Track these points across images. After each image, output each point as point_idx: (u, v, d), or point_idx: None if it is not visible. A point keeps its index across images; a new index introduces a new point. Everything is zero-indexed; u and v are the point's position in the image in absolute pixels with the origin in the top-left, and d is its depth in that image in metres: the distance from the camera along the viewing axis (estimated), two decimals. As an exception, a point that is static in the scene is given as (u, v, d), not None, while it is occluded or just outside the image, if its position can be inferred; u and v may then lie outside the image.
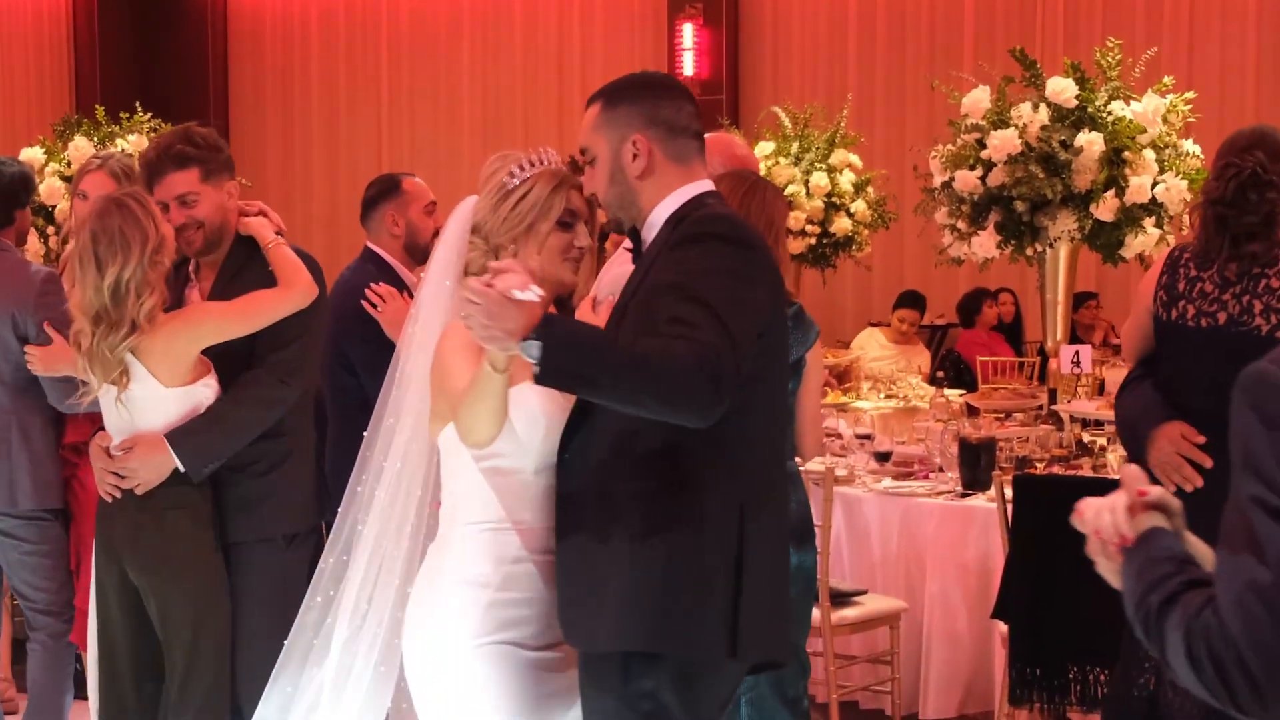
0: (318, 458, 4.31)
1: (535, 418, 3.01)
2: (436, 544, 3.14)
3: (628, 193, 3.05)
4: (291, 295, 4.03)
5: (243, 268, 4.13)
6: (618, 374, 2.72)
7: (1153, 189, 6.33)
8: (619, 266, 4.05)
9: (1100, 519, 2.07)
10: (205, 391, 4.00)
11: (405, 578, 3.23)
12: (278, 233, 4.17)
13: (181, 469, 3.95)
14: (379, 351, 4.61)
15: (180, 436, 3.95)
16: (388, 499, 3.27)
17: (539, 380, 2.71)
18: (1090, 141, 6.29)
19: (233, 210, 4.15)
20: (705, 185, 3.08)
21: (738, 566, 2.93)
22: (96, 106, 9.34)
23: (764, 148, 8.90)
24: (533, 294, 2.61)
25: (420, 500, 3.24)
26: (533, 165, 3.12)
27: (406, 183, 5.07)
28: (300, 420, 4.17)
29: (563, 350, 2.68)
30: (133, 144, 8.54)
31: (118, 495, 4.01)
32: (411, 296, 4.77)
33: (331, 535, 3.41)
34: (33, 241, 6.59)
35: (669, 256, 2.92)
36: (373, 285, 4.69)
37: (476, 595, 3.03)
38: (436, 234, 5.02)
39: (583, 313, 3.64)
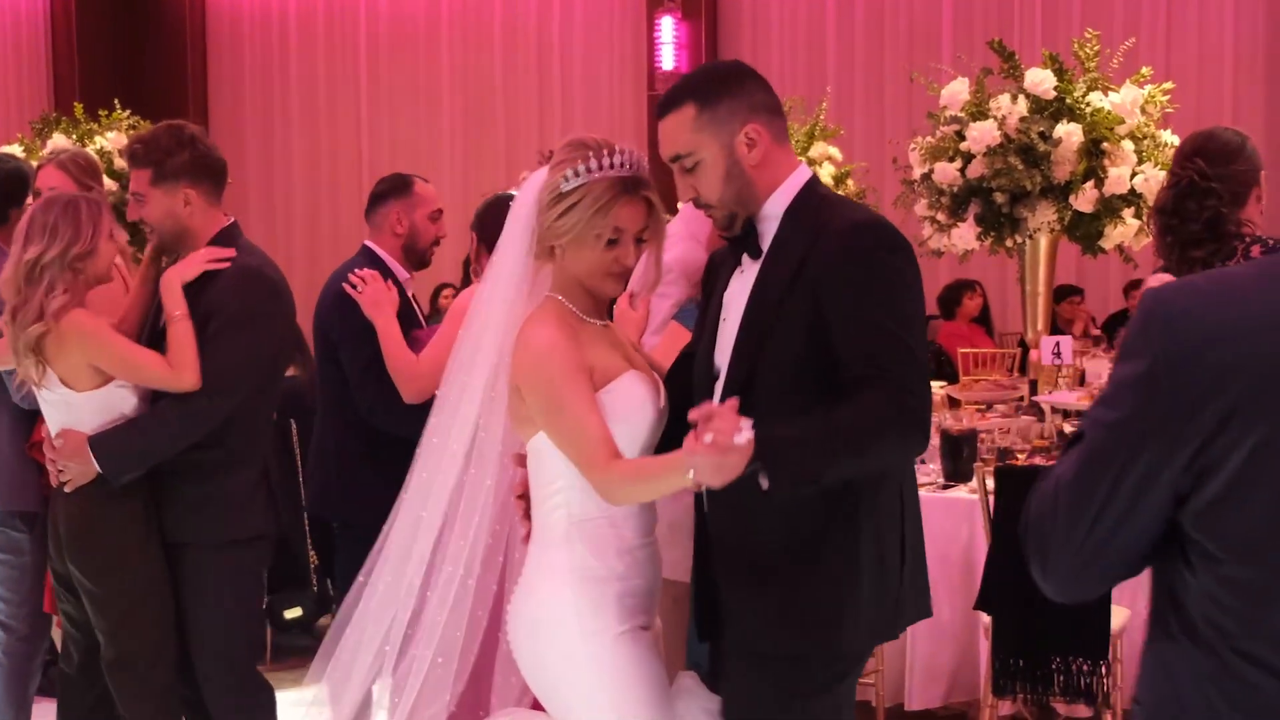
0: (267, 468, 4.34)
1: (644, 405, 3.02)
2: (544, 543, 3.07)
3: (746, 186, 3.00)
4: (174, 381, 4.04)
5: (204, 287, 4.13)
6: (837, 461, 2.78)
7: (1131, 180, 6.34)
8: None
9: None
10: (121, 392, 4.08)
11: (469, 569, 3.17)
12: (204, 276, 4.13)
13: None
14: (356, 331, 4.66)
15: (101, 442, 4.04)
16: (451, 486, 3.19)
17: (771, 493, 2.74)
18: (1069, 133, 6.31)
19: (189, 215, 4.15)
20: (806, 171, 3.07)
21: (902, 546, 3.04)
22: (75, 104, 9.33)
23: (744, 141, 8.89)
24: (747, 434, 2.58)
25: (489, 491, 3.17)
26: (589, 172, 2.97)
27: (418, 185, 5.08)
28: (241, 430, 4.19)
29: (784, 466, 2.72)
30: (111, 141, 8.53)
31: (54, 484, 4.14)
32: (400, 290, 4.79)
33: (387, 525, 3.30)
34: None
35: (833, 276, 2.87)
36: (356, 270, 4.72)
37: (605, 589, 3.02)
38: (437, 242, 5.05)
39: (620, 308, 3.63)
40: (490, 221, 4.61)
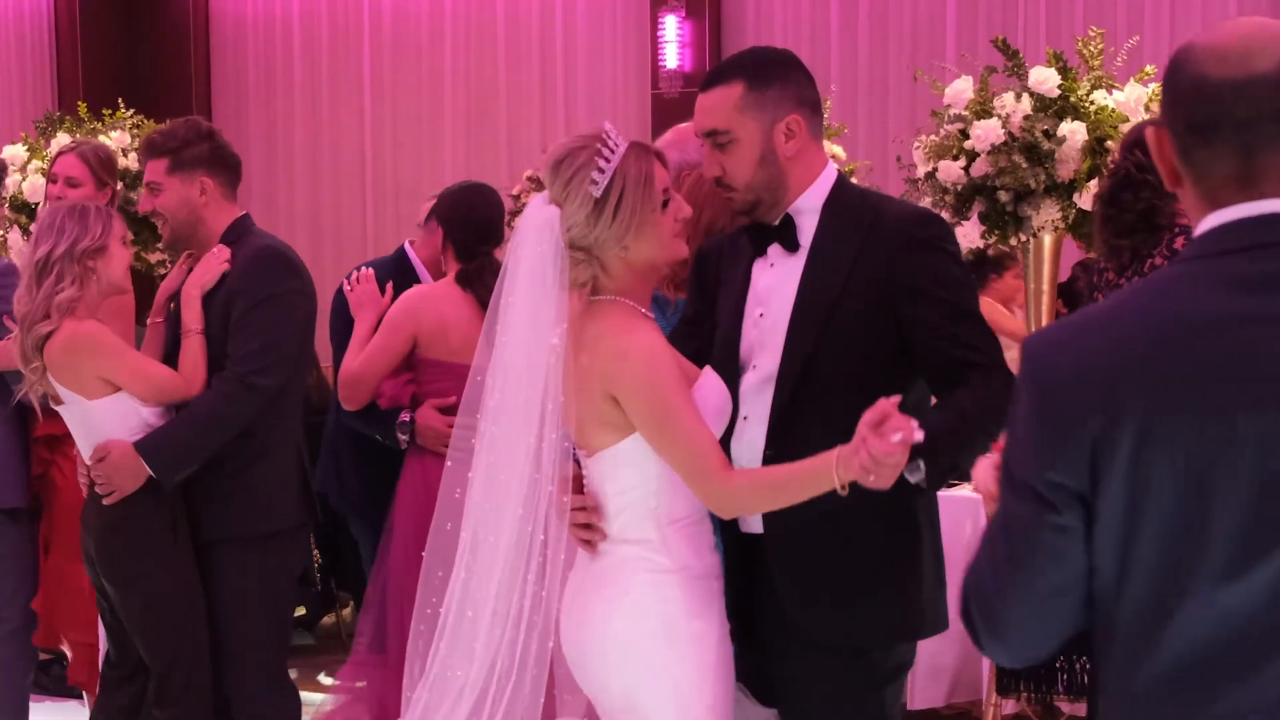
0: (302, 454, 4.32)
1: (725, 404, 2.96)
2: (643, 546, 2.92)
3: (778, 175, 3.00)
4: (185, 391, 4.04)
5: (217, 285, 4.13)
6: (975, 450, 2.75)
7: (1136, 178, 6.34)
8: None
9: (986, 482, 2.18)
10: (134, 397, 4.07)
11: (509, 589, 2.96)
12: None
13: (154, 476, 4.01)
14: (343, 329, 4.74)
15: (152, 446, 3.99)
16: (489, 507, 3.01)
17: (928, 488, 2.80)
18: (1073, 131, 6.29)
19: (204, 205, 4.15)
20: (834, 169, 3.09)
21: (935, 542, 3.08)
22: (79, 103, 9.32)
23: (748, 140, 8.87)
24: (920, 433, 2.55)
25: (523, 518, 2.96)
26: (609, 159, 2.85)
27: None
28: (273, 419, 4.15)
29: (941, 460, 2.76)
30: (115, 140, 8.52)
31: (84, 493, 4.12)
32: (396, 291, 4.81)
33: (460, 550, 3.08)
34: (16, 238, 6.53)
35: (909, 267, 2.90)
36: (361, 268, 4.78)
37: (710, 585, 2.96)
38: None
39: None
40: (456, 216, 4.62)
